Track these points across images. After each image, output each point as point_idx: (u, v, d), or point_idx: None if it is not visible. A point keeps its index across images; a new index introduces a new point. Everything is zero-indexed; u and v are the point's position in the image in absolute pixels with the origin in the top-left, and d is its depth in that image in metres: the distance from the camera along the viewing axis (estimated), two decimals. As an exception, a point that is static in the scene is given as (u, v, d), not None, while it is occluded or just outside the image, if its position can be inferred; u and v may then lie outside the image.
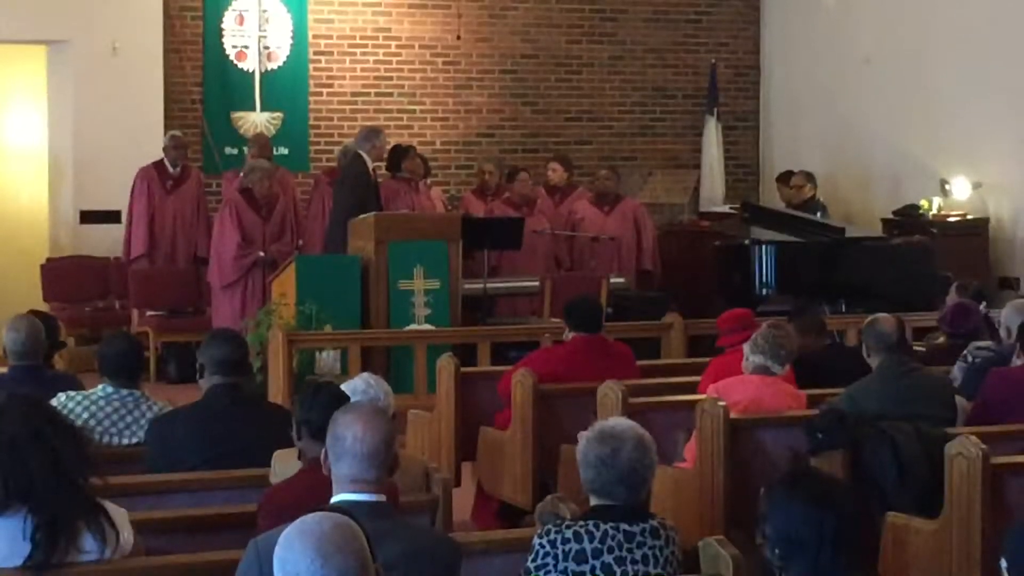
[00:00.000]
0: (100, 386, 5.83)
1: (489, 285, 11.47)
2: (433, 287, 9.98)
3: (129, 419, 5.77)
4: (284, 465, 4.79)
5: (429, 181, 13.15)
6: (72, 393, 5.85)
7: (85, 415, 5.70)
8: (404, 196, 12.10)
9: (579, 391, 7.02)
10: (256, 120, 13.67)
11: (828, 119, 14.54)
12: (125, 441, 5.73)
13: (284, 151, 13.42)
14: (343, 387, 4.97)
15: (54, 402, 5.64)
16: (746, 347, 6.55)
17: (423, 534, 4.04)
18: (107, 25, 12.80)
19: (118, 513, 4.05)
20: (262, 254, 11.36)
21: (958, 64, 12.95)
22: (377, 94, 14.16)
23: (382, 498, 3.90)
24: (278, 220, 11.71)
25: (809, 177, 13.31)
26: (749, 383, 6.48)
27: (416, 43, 14.29)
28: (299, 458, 4.73)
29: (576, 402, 6.97)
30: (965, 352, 7.33)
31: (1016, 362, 6.68)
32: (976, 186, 12.76)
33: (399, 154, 12.54)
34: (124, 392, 5.80)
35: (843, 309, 11.27)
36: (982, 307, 8.38)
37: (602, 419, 4.61)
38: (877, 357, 6.46)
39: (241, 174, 11.95)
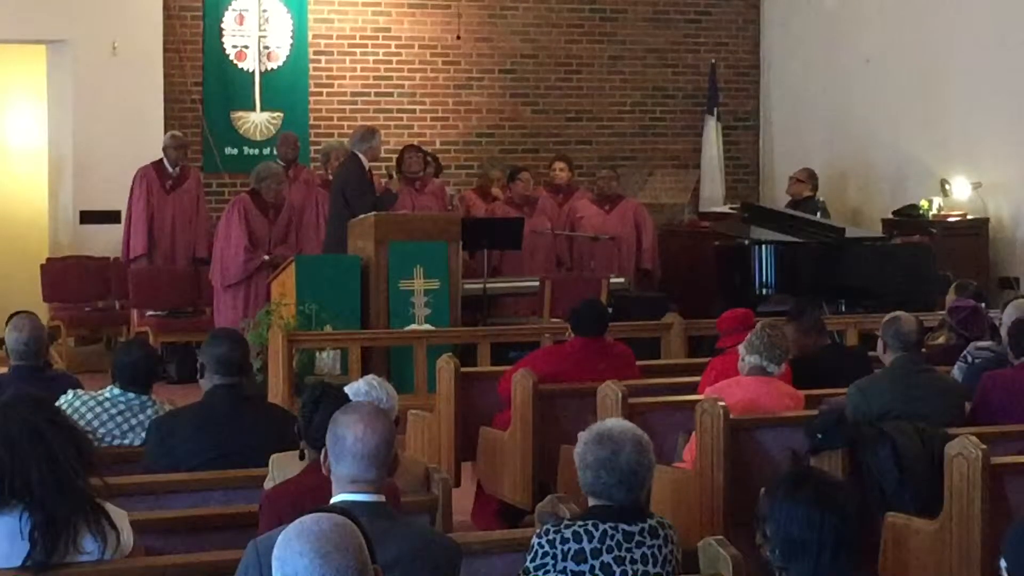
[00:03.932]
0: (109, 387, 5.84)
1: (489, 285, 11.47)
2: (433, 287, 9.98)
3: (134, 421, 5.77)
4: (282, 468, 4.79)
5: (447, 182, 13.19)
6: (80, 392, 5.87)
7: (89, 415, 5.71)
8: (406, 196, 12.09)
9: (579, 391, 7.02)
10: (256, 120, 13.68)
11: (828, 119, 14.54)
12: (127, 442, 5.73)
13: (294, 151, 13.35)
14: (346, 389, 4.96)
15: (62, 400, 5.68)
16: (741, 348, 6.54)
17: (423, 534, 4.03)
18: (107, 25, 12.80)
19: (118, 514, 4.05)
20: (267, 258, 11.33)
21: (959, 64, 12.95)
22: (377, 94, 14.17)
23: (382, 498, 3.90)
24: (283, 223, 11.70)
25: (811, 175, 13.30)
26: (746, 384, 6.48)
27: (416, 43, 14.29)
28: (301, 458, 4.73)
29: (576, 402, 6.97)
30: (965, 352, 7.32)
31: (1015, 363, 6.67)
32: (976, 186, 12.76)
33: (401, 154, 12.59)
34: (132, 395, 5.81)
35: (843, 309, 11.26)
36: (980, 307, 8.37)
37: (601, 420, 4.61)
38: (892, 355, 6.43)
39: (253, 175, 11.90)
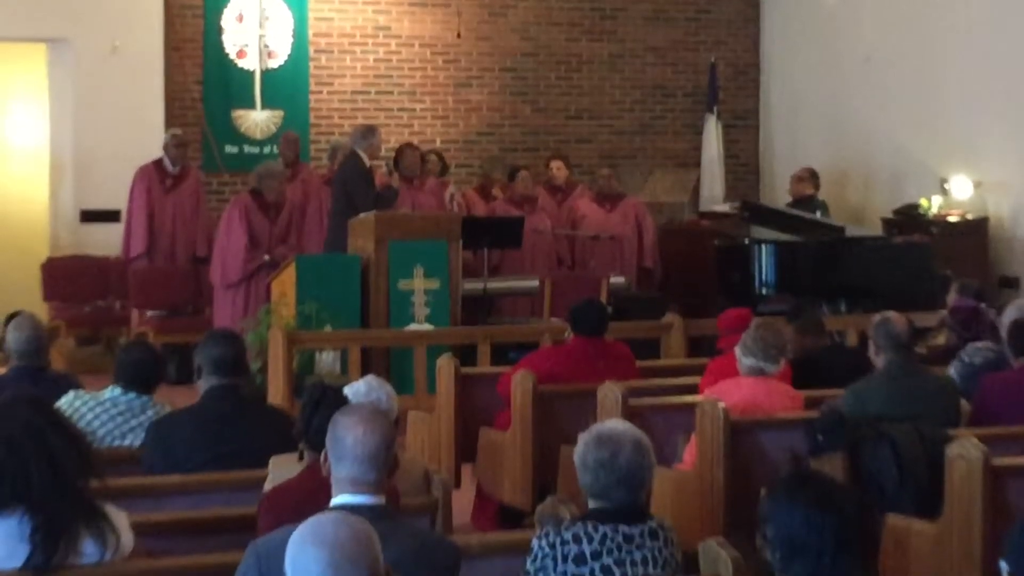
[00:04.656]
0: (109, 388, 5.83)
1: (489, 285, 11.46)
2: (433, 287, 9.97)
3: (134, 422, 5.76)
4: (281, 470, 4.78)
5: (449, 180, 13.18)
6: (81, 392, 5.86)
7: (90, 415, 5.70)
8: (405, 194, 12.08)
9: (579, 392, 7.01)
10: (256, 119, 13.68)
11: (828, 118, 14.54)
12: (127, 442, 5.72)
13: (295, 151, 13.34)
14: (345, 390, 4.96)
15: (63, 400, 5.67)
16: (737, 350, 6.53)
17: (423, 536, 4.03)
18: (107, 24, 12.81)
19: (117, 516, 4.04)
20: (267, 258, 11.32)
21: (958, 63, 12.94)
22: (377, 92, 14.17)
23: (381, 500, 3.90)
24: (284, 223, 11.70)
25: (814, 174, 13.31)
26: (744, 384, 6.47)
27: (416, 41, 14.30)
28: (300, 459, 4.72)
29: (576, 403, 6.95)
30: (961, 353, 7.31)
31: (1014, 364, 6.66)
32: (976, 185, 12.75)
33: (399, 152, 12.59)
34: (132, 395, 5.80)
35: (843, 309, 11.25)
36: (981, 307, 8.36)
37: (601, 421, 4.61)
38: (884, 356, 6.41)
39: (254, 175, 11.90)
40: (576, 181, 13.74)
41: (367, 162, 11.06)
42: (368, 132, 11.29)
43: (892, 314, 6.55)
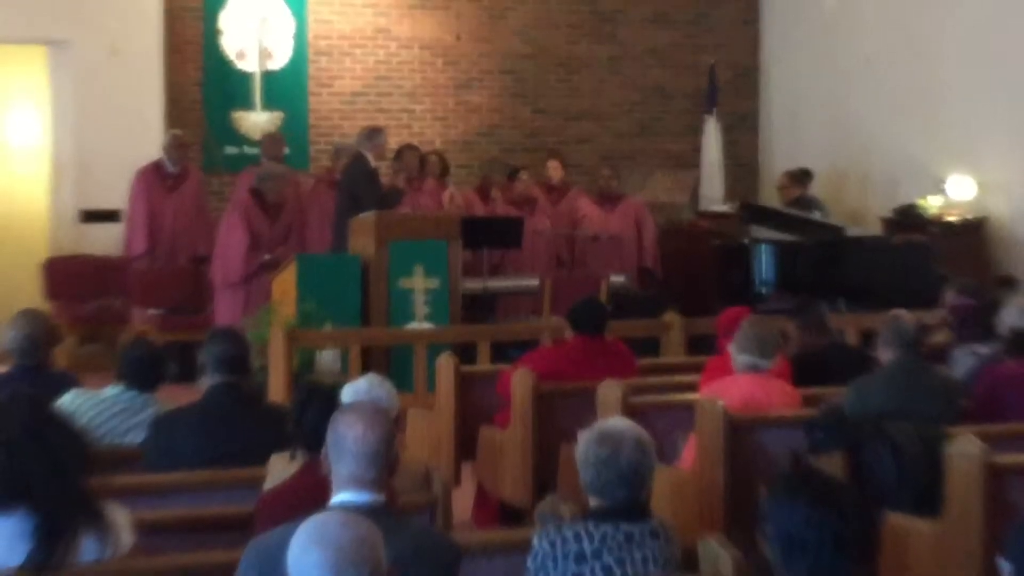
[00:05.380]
0: (110, 386, 5.84)
1: (489, 284, 11.46)
2: (433, 286, 9.98)
3: (134, 420, 5.76)
4: (280, 469, 4.79)
5: (448, 182, 13.17)
6: (82, 391, 5.86)
7: (92, 412, 5.71)
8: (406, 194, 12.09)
9: (579, 391, 7.00)
10: (256, 120, 13.67)
11: (827, 119, 14.54)
12: (127, 440, 5.73)
13: (284, 151, 13.38)
14: (346, 388, 4.96)
15: (64, 399, 5.67)
16: (731, 348, 6.54)
17: (422, 534, 4.03)
18: (107, 25, 12.81)
19: (118, 513, 4.05)
20: (268, 257, 11.33)
21: (958, 63, 12.95)
22: (377, 94, 14.17)
23: (382, 498, 3.89)
24: (285, 223, 11.71)
25: (793, 177, 13.31)
26: (740, 382, 6.47)
27: (416, 43, 14.30)
28: (292, 458, 4.72)
29: (576, 401, 6.95)
30: (954, 352, 7.30)
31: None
32: (975, 185, 12.75)
33: (398, 154, 12.59)
34: (134, 393, 5.81)
35: (842, 308, 11.26)
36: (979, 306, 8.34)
37: (602, 419, 4.61)
38: (891, 353, 6.42)
39: (255, 176, 11.92)
40: (572, 182, 13.75)
41: (372, 163, 11.08)
42: (373, 133, 11.33)
43: (901, 312, 6.57)
